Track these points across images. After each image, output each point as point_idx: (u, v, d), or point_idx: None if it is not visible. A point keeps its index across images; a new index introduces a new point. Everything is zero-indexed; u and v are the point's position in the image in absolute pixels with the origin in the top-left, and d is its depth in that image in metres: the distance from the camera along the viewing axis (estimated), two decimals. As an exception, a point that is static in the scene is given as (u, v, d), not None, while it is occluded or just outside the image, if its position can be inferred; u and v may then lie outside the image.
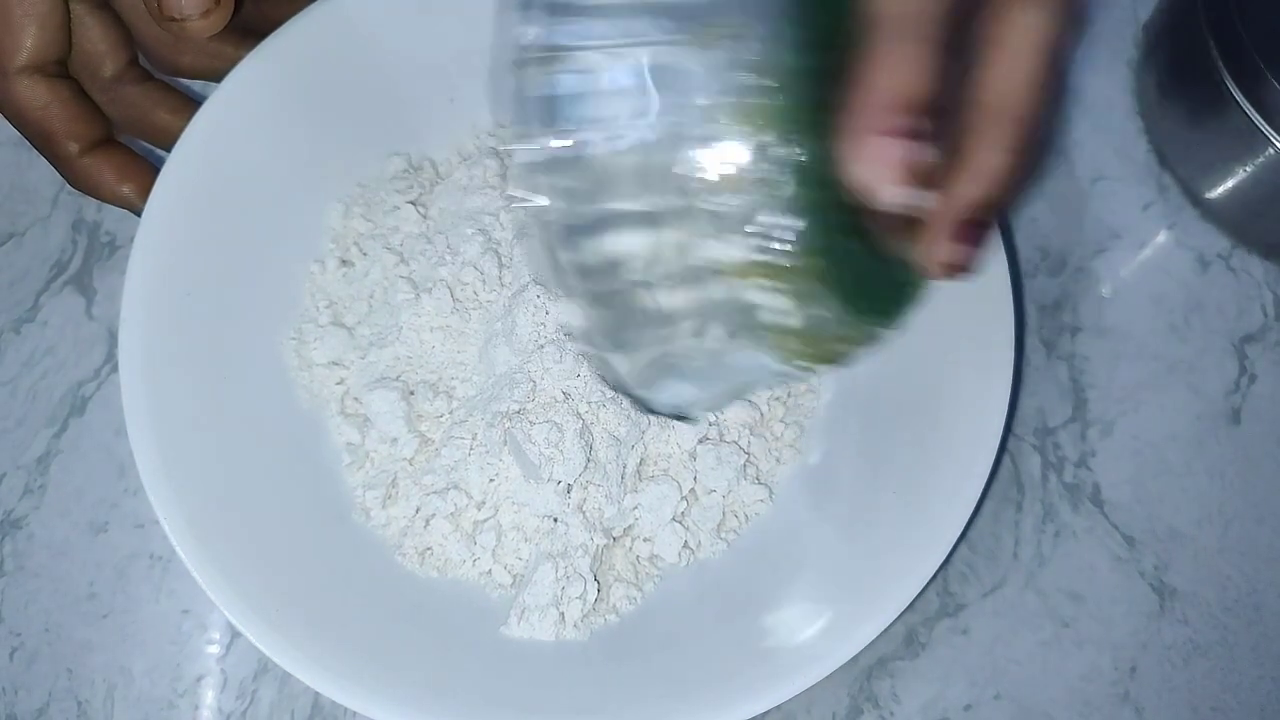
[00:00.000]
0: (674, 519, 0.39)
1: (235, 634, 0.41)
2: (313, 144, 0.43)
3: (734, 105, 0.23)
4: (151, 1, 0.36)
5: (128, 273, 0.38)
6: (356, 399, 0.40)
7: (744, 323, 0.26)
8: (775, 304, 0.25)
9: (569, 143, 0.24)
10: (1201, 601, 0.43)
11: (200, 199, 0.40)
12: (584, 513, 0.38)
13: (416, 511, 0.38)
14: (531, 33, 0.24)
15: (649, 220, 0.25)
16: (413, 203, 0.43)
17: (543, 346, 0.38)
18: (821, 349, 0.27)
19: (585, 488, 0.38)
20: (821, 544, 0.39)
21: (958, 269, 0.27)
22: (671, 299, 0.26)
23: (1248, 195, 0.47)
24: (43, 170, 0.47)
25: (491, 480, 0.38)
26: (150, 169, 0.40)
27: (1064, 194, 0.50)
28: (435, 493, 0.38)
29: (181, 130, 0.39)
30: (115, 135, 0.41)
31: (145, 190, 0.39)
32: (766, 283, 0.24)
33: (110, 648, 0.41)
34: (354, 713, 0.39)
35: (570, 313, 0.31)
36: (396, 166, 0.44)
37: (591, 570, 0.37)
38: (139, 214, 0.39)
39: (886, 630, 0.36)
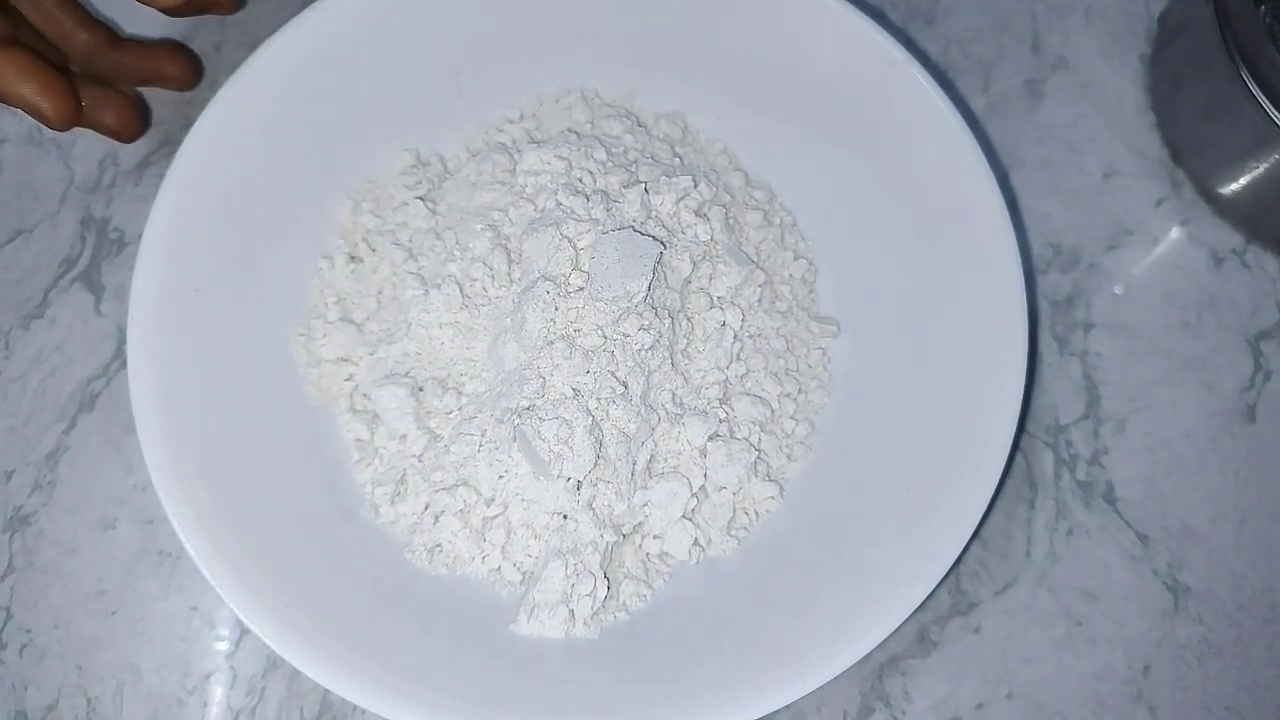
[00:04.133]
0: (684, 516, 0.39)
1: (244, 631, 0.41)
2: (321, 139, 0.43)
3: None
4: None
5: (136, 269, 0.38)
6: (365, 395, 0.40)
7: None
8: None
9: None
10: (1216, 600, 0.43)
11: (208, 195, 0.40)
12: (594, 509, 0.37)
13: (425, 508, 0.38)
14: None
15: None
16: (421, 198, 0.43)
17: (552, 343, 0.38)
18: None
19: (595, 484, 0.38)
20: (833, 542, 0.39)
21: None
22: None
23: (1262, 191, 0.47)
24: (51, 167, 0.47)
25: (501, 477, 0.38)
26: (53, 72, 0.40)
27: (1076, 190, 0.49)
28: (444, 489, 0.38)
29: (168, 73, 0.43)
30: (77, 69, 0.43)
31: (46, 92, 0.39)
32: None
33: (119, 644, 0.41)
34: (363, 710, 0.39)
35: None
36: (405, 162, 0.44)
37: (601, 567, 0.37)
38: (44, 121, 0.40)
39: (898, 628, 0.36)
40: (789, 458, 0.41)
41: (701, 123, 0.47)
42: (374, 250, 0.42)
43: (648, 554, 0.39)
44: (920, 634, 0.42)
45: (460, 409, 0.39)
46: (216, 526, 0.35)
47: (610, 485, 0.38)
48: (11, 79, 0.39)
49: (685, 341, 0.40)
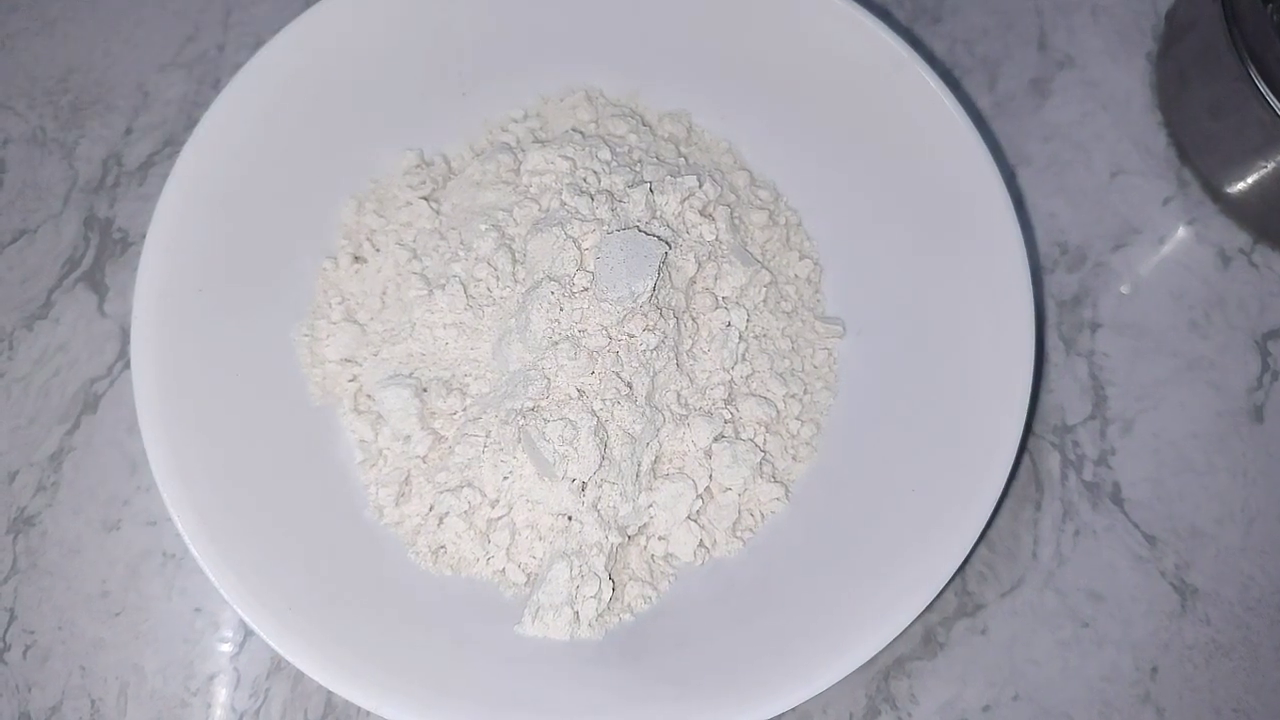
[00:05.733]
0: (689, 517, 0.39)
1: (248, 632, 0.41)
2: (325, 139, 0.42)
3: None
4: None
5: (139, 269, 0.38)
6: (369, 396, 0.40)
7: None
8: None
9: None
10: (1223, 601, 0.43)
11: (212, 195, 0.39)
12: (598, 511, 0.37)
13: (430, 509, 0.38)
14: None
15: None
16: (425, 198, 0.43)
17: (557, 343, 0.38)
18: None
19: (600, 485, 0.37)
20: (838, 543, 0.39)
21: None
22: None
23: (1269, 189, 0.46)
24: (55, 168, 0.47)
25: (505, 478, 0.38)
26: None
27: (1083, 188, 0.49)
28: (449, 490, 0.38)
29: None
30: None
31: None
32: None
33: (123, 646, 0.40)
34: (366, 711, 0.39)
35: None
36: (409, 161, 0.44)
37: (606, 569, 0.37)
38: None
39: (905, 630, 0.35)
40: (794, 459, 0.41)
41: (706, 121, 0.47)
42: (378, 250, 0.42)
43: (653, 555, 0.39)
44: (926, 635, 0.42)
45: (464, 410, 0.39)
46: (220, 527, 0.35)
47: (615, 486, 0.37)
48: None
49: (690, 342, 0.40)
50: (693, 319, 0.40)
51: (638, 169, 0.42)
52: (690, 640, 0.37)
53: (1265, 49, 0.41)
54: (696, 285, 0.41)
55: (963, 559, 0.36)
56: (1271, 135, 0.43)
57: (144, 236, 0.38)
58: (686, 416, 0.39)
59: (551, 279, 0.38)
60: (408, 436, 0.39)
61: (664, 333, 0.38)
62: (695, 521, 0.39)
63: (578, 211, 0.40)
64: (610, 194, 0.41)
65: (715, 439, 0.39)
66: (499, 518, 0.38)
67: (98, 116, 0.48)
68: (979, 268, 0.41)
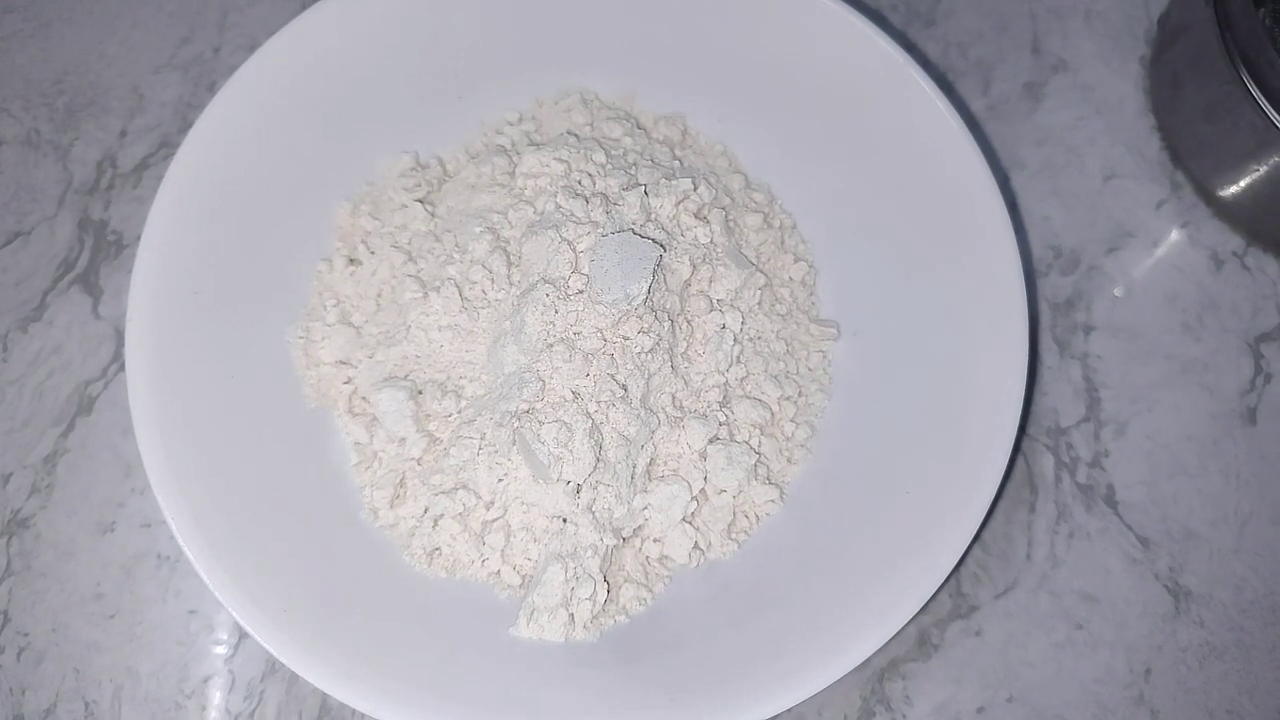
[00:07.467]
0: (684, 519, 0.39)
1: (242, 634, 0.41)
2: (320, 141, 0.42)
3: None
4: None
5: (134, 272, 0.38)
6: (364, 398, 0.40)
7: None
8: None
9: None
10: (1217, 603, 0.43)
11: (207, 197, 0.39)
12: (593, 513, 0.37)
13: (425, 511, 0.38)
14: None
15: None
16: (420, 201, 0.43)
17: (552, 345, 0.38)
18: None
19: (595, 488, 0.37)
20: (833, 545, 0.39)
21: None
22: None
23: (1262, 193, 0.47)
24: (49, 170, 0.47)
25: (500, 480, 0.38)
26: None
27: (1076, 192, 0.49)
28: (443, 493, 0.38)
29: None
30: None
31: None
32: None
33: (117, 648, 0.40)
34: (361, 714, 0.39)
35: None
36: (404, 164, 0.44)
37: (601, 571, 0.37)
38: None
39: (899, 632, 0.36)
40: (789, 461, 0.41)
41: (701, 124, 0.47)
42: (373, 253, 0.42)
43: (648, 557, 0.39)
44: (921, 637, 0.42)
45: (459, 412, 0.39)
46: (214, 530, 0.35)
47: (610, 488, 0.37)
48: None
49: (685, 344, 0.40)
50: (687, 321, 0.40)
51: (633, 172, 0.42)
52: (685, 642, 0.37)
53: (1257, 53, 0.42)
54: (691, 288, 0.41)
55: (957, 561, 0.36)
56: (1264, 139, 0.43)
57: (139, 239, 0.38)
58: (681, 419, 0.39)
59: (546, 281, 0.38)
60: (403, 439, 0.39)
61: (659, 335, 0.38)
62: (690, 523, 0.39)
63: (573, 214, 0.40)
64: (605, 197, 0.41)
65: (710, 441, 0.39)
66: (494, 520, 0.38)
67: (93, 119, 0.48)
68: (973, 271, 0.41)
